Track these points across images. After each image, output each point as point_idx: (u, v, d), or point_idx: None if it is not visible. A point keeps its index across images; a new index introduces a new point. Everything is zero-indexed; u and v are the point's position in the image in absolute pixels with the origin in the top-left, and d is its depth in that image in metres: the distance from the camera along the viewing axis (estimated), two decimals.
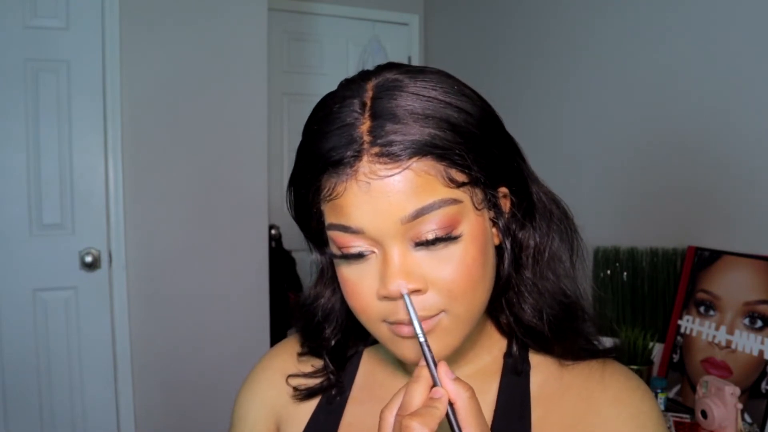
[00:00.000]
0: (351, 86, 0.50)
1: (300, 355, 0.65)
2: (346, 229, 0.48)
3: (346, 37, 3.08)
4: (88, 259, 2.05)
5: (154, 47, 2.12)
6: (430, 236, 0.47)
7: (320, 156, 0.48)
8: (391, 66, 0.51)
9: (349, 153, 0.46)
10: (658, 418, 0.54)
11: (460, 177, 0.47)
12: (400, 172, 0.46)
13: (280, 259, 2.69)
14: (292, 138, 2.96)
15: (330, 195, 0.48)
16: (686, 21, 1.70)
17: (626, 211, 1.88)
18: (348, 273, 0.50)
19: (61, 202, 2.04)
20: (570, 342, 0.56)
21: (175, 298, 2.19)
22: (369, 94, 0.48)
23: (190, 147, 2.19)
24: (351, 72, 0.53)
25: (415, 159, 0.46)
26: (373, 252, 0.49)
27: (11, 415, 2.00)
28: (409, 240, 0.48)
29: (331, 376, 0.62)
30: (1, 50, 1.94)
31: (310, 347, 0.63)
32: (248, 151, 2.28)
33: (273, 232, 2.69)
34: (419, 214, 0.46)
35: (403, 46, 3.11)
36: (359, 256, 0.49)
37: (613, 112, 1.96)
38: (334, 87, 0.53)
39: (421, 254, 0.48)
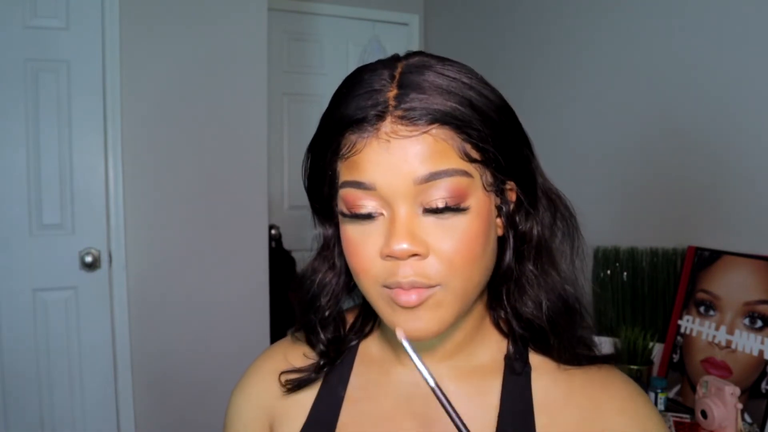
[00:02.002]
0: (384, 61, 0.53)
1: (295, 332, 0.66)
2: (359, 185, 0.50)
3: (346, 37, 3.08)
4: (88, 259, 2.05)
5: (154, 47, 2.12)
6: (440, 204, 0.49)
7: (345, 115, 0.50)
8: (421, 53, 0.54)
9: (373, 113, 0.49)
10: (662, 424, 0.56)
11: (474, 153, 0.50)
12: (419, 135, 0.48)
13: (280, 259, 2.69)
14: (292, 138, 2.96)
15: (349, 152, 0.50)
16: (686, 21, 1.70)
17: (626, 211, 1.88)
18: (353, 232, 0.52)
19: (61, 202, 2.04)
20: (567, 340, 0.57)
21: (175, 298, 2.19)
22: (399, 69, 0.51)
23: (190, 147, 2.19)
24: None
25: (435, 126, 0.48)
26: (382, 214, 0.50)
27: (11, 415, 2.00)
28: (419, 204, 0.49)
29: (324, 348, 0.61)
30: (1, 50, 1.94)
31: (305, 324, 0.63)
32: (248, 151, 2.28)
33: (273, 232, 2.69)
34: (432, 177, 0.48)
35: (403, 46, 3.11)
36: (368, 217, 0.51)
37: (613, 113, 1.96)
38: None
39: (429, 220, 0.50)
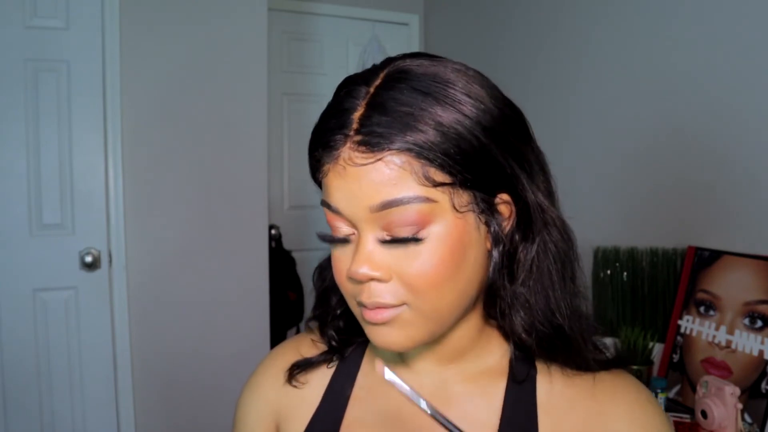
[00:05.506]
0: (370, 71, 0.52)
1: (310, 320, 0.67)
2: (329, 206, 0.51)
3: (346, 37, 3.08)
4: (88, 259, 2.05)
5: (154, 47, 2.12)
6: (397, 234, 0.48)
7: (317, 135, 0.51)
8: (414, 55, 0.52)
9: (337, 137, 0.49)
10: (669, 431, 0.55)
11: (440, 177, 0.48)
12: (372, 163, 0.47)
13: (280, 259, 2.69)
14: (292, 138, 2.96)
15: (321, 173, 0.51)
16: (688, 20, 1.70)
17: (626, 211, 1.88)
18: (334, 251, 0.54)
19: (61, 202, 2.04)
20: (563, 356, 0.55)
21: (175, 298, 2.19)
22: (377, 82, 0.50)
23: (190, 147, 2.19)
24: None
25: (390, 153, 0.47)
26: (354, 234, 0.51)
27: (11, 415, 2.00)
28: (382, 229, 0.49)
29: (333, 344, 0.63)
30: (1, 50, 1.94)
31: (319, 314, 0.65)
32: (248, 151, 2.28)
33: (273, 232, 2.69)
34: (387, 206, 0.47)
35: (403, 46, 3.11)
36: (344, 241, 0.52)
37: (614, 113, 1.96)
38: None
39: (391, 245, 0.49)
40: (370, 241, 0.50)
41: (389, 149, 0.47)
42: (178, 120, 2.17)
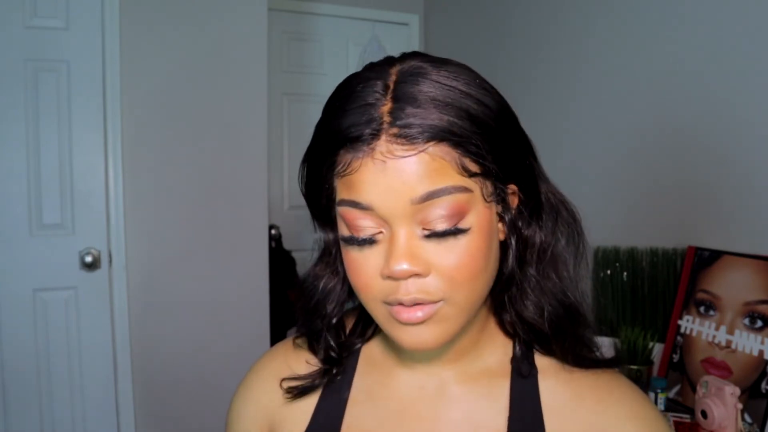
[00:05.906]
0: (375, 68, 0.51)
1: (296, 339, 0.65)
2: (356, 204, 0.49)
3: (346, 37, 3.08)
4: (88, 259, 2.05)
5: (154, 47, 2.12)
6: (439, 227, 0.48)
7: (339, 131, 0.49)
8: (416, 54, 0.52)
9: (368, 131, 0.47)
10: (668, 429, 0.56)
11: (473, 167, 0.48)
12: (415, 154, 0.47)
13: (280, 259, 2.69)
14: (292, 138, 2.96)
15: (344, 170, 0.49)
16: (687, 20, 1.70)
17: (626, 211, 1.88)
18: (354, 253, 0.51)
19: (61, 202, 2.04)
20: (570, 343, 0.56)
21: (175, 298, 2.19)
22: (393, 77, 0.49)
23: (190, 147, 2.19)
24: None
25: (431, 143, 0.47)
26: (381, 232, 0.50)
27: (11, 415, 2.00)
28: (418, 223, 0.48)
29: (331, 355, 0.61)
30: (1, 50, 1.94)
31: (309, 329, 0.63)
32: (248, 151, 2.28)
33: (273, 232, 2.69)
34: (430, 196, 0.47)
35: (403, 46, 3.11)
36: (369, 241, 0.50)
37: (613, 113, 1.96)
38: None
39: (429, 239, 0.49)
40: (406, 235, 0.48)
41: (431, 139, 0.47)
42: (178, 120, 2.17)
